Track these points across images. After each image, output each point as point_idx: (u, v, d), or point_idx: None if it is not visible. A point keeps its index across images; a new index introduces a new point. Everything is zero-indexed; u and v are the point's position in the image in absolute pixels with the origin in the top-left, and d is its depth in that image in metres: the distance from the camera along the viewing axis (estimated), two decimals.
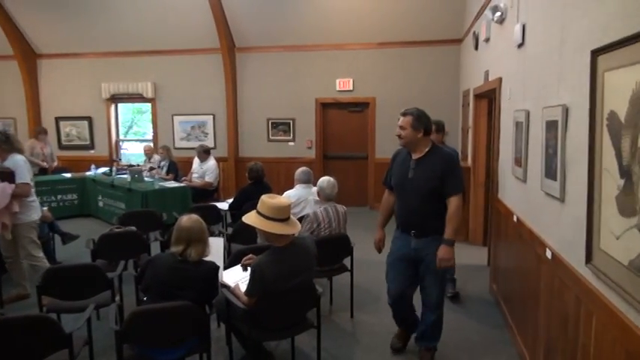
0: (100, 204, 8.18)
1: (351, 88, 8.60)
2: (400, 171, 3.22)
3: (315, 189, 4.86)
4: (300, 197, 4.95)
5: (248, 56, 8.97)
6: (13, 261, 4.70)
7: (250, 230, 3.15)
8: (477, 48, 6.01)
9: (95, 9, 8.65)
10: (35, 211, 4.70)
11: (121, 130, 10.31)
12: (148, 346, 2.79)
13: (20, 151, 4.64)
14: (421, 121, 3.10)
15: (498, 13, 4.38)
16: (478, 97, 5.90)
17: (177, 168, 8.26)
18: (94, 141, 9.95)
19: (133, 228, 4.71)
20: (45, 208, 5.36)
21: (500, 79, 4.42)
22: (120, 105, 10.09)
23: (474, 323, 4.09)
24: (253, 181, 5.60)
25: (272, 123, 9.03)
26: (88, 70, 9.69)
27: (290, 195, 4.84)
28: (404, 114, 3.13)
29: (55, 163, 8.85)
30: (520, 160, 3.51)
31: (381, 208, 3.54)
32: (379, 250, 3.54)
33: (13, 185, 4.37)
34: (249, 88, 9.06)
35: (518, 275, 3.57)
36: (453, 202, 3.07)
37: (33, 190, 4.66)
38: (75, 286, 3.48)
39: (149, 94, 9.40)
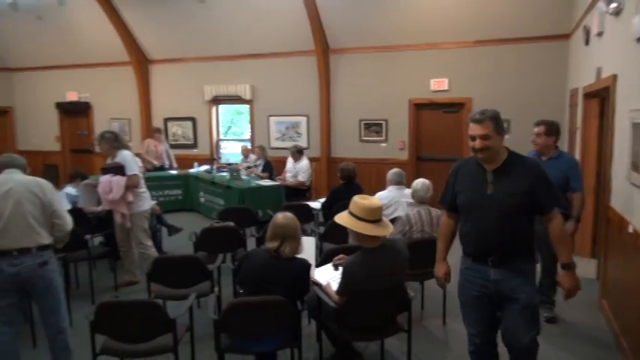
0: (202, 200, 8.71)
1: (446, 88, 8.35)
2: (473, 186, 2.57)
3: (407, 191, 4.79)
4: (392, 199, 4.90)
5: (341, 57, 9.05)
6: (126, 250, 5.16)
7: (342, 230, 3.18)
8: (587, 43, 5.55)
9: (200, 17, 9.21)
10: (146, 201, 5.14)
11: (221, 131, 10.88)
12: (242, 336, 2.92)
13: (127, 148, 5.11)
14: (501, 124, 2.52)
15: (614, 5, 4.02)
16: (588, 96, 5.45)
17: (272, 167, 8.55)
18: (197, 140, 10.60)
19: (231, 223, 4.96)
20: (154, 202, 5.81)
21: (614, 77, 4.05)
22: (220, 106, 10.65)
23: (578, 344, 3.79)
24: (345, 181, 5.64)
25: (364, 124, 9.03)
26: (193, 74, 10.34)
27: (382, 196, 4.82)
28: (481, 119, 2.47)
29: (174, 163, 9.40)
30: (638, 165, 3.19)
31: (441, 234, 2.87)
32: (443, 286, 3.17)
33: (124, 177, 4.83)
34: (342, 89, 9.14)
35: (636, 291, 3.24)
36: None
37: (142, 181, 5.10)
38: (179, 276, 3.74)
39: (247, 96, 9.83)
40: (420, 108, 8.69)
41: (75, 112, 11.70)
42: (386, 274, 2.93)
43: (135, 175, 4.91)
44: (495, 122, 2.47)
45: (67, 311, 3.36)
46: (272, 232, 3.06)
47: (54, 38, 10.67)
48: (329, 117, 9.25)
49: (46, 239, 3.11)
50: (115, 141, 4.95)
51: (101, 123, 11.17)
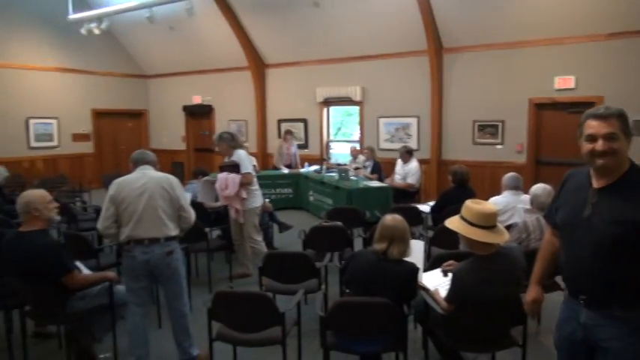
0: (311, 199, 8.94)
1: (572, 87, 7.67)
2: (573, 203, 2.08)
3: (524, 197, 4.49)
4: (508, 204, 4.62)
5: (455, 57, 8.74)
6: (240, 244, 5.47)
7: (452, 235, 3.06)
8: None
9: (314, 22, 9.47)
10: (258, 198, 5.42)
11: (331, 132, 11.09)
12: (347, 336, 2.94)
13: (243, 147, 5.41)
14: (629, 125, 1.96)
15: None
16: None
17: (381, 168, 8.51)
18: (307, 141, 10.92)
19: (339, 223, 5.02)
20: (267, 200, 6.09)
21: None
22: (331, 108, 10.85)
23: None
24: (457, 184, 5.44)
25: (478, 125, 8.63)
26: (306, 77, 10.66)
27: (497, 201, 4.56)
28: (606, 115, 1.95)
29: (299, 165, 9.80)
30: None
31: (540, 252, 2.44)
32: (532, 316, 2.63)
33: (239, 175, 5.13)
34: (455, 89, 8.83)
35: None
36: None
37: (255, 179, 5.37)
38: (288, 271, 3.88)
39: (357, 98, 9.90)
40: (541, 108, 8.10)
41: (199, 114, 12.68)
42: (499, 284, 2.77)
43: (248, 173, 5.19)
44: (623, 121, 1.95)
45: (188, 297, 3.65)
46: (380, 233, 3.04)
47: (183, 47, 11.65)
48: (440, 118, 8.98)
49: (173, 231, 3.40)
50: (231, 141, 5.28)
51: (221, 124, 11.99)
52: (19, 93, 10.81)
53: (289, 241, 6.36)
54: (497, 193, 4.90)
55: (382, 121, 9.75)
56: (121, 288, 3.55)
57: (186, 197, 3.60)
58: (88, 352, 3.59)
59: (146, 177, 3.39)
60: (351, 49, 9.67)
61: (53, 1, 10.82)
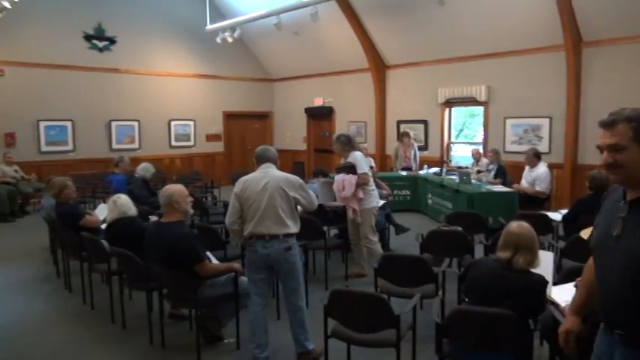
0: (429, 202, 8.72)
1: None
2: (605, 222, 1.79)
3: None
4: None
5: (596, 51, 7.90)
6: (356, 243, 5.52)
7: (586, 247, 2.77)
8: None
9: (438, 20, 9.21)
10: (375, 198, 5.43)
11: (453, 133, 10.70)
12: (464, 347, 2.81)
13: (359, 149, 5.46)
14: None
15: None
16: None
17: (506, 172, 8.02)
18: (427, 142, 10.66)
19: (459, 228, 4.82)
20: (384, 192, 6.17)
21: None
22: (453, 109, 10.48)
23: None
24: (594, 191, 4.92)
25: None
26: (427, 77, 10.42)
27: None
28: (609, 122, 1.68)
29: (417, 167, 9.70)
30: None
31: (582, 281, 2.12)
32: (566, 350, 2.08)
33: (355, 176, 5.18)
34: (595, 86, 7.98)
35: None
36: None
37: (372, 179, 5.38)
38: (404, 274, 3.81)
39: (482, 98, 9.43)
40: None
41: (320, 116, 13.05)
42: None
43: (365, 173, 5.23)
44: (636, 127, 1.62)
45: (304, 293, 3.77)
46: (504, 240, 2.86)
47: (306, 51, 12.09)
48: (577, 119, 8.19)
49: (292, 229, 3.53)
50: (347, 144, 5.37)
51: (341, 125, 12.21)
52: (163, 98, 12.08)
53: (405, 244, 6.27)
54: None
55: (509, 122, 9.17)
56: (244, 279, 3.77)
57: (308, 193, 3.68)
58: (215, 335, 3.89)
59: (268, 176, 3.55)
60: (477, 46, 9.24)
61: (193, 14, 11.91)
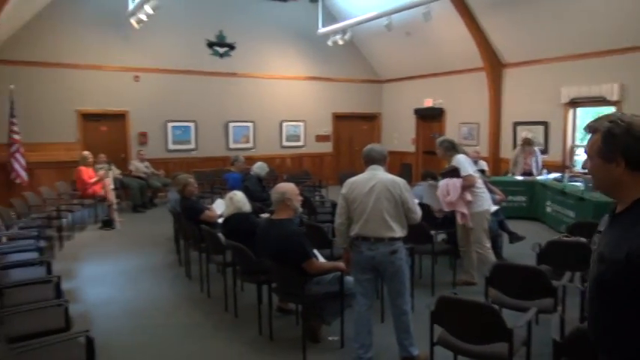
0: (548, 209, 8.11)
1: None
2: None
3: None
4: None
5: None
6: (466, 250, 5.31)
7: None
8: None
9: (562, 14, 8.52)
10: (486, 201, 5.18)
11: (577, 136, 9.83)
12: None
13: (462, 152, 5.26)
14: (611, 144, 1.48)
15: None
16: None
17: None
18: (547, 145, 9.92)
19: (583, 239, 4.42)
20: (497, 196, 5.86)
21: None
22: (578, 110, 9.62)
23: None
24: None
25: None
26: (549, 76, 9.68)
27: None
28: (588, 129, 1.60)
29: (538, 171, 9.12)
30: None
31: None
32: None
33: (459, 179, 4.98)
34: None
35: None
36: None
37: (480, 181, 5.17)
38: (518, 286, 3.58)
39: (614, 97, 8.52)
40: None
41: (429, 117, 12.75)
42: None
43: (469, 175, 5.02)
44: (603, 139, 1.49)
45: (410, 297, 3.70)
46: None
47: (417, 51, 11.87)
48: None
49: (398, 233, 3.49)
50: (450, 149, 5.20)
51: (451, 127, 11.82)
52: (275, 100, 12.63)
53: (520, 253, 5.90)
54: None
55: None
56: (350, 279, 3.81)
57: (413, 198, 3.63)
58: (316, 331, 3.97)
59: (375, 179, 3.53)
60: (608, 41, 8.37)
61: (306, 18, 12.31)
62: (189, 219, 5.48)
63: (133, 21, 9.29)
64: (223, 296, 4.71)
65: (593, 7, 8.08)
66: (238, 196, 4.98)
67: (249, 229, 4.47)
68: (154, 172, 10.61)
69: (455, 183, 5.06)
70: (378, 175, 3.57)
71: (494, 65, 10.64)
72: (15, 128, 8.93)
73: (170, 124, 11.40)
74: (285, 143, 12.98)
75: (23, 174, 8.95)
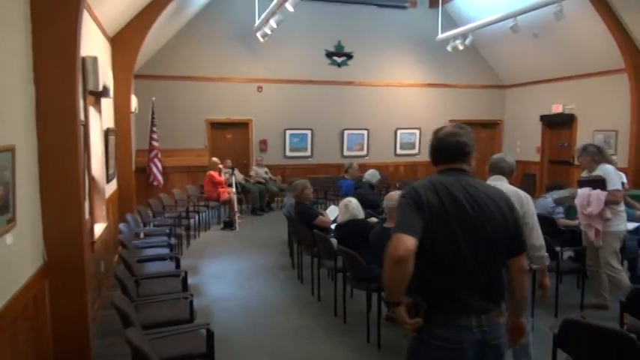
0: None
1: None
2: None
3: None
4: None
5: None
6: (595, 270, 4.80)
7: None
8: None
9: None
10: (623, 221, 4.65)
11: None
12: None
13: (610, 162, 4.74)
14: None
15: None
16: None
17: None
18: None
19: None
20: (638, 212, 5.24)
21: None
22: None
23: None
24: None
25: None
26: None
27: None
28: None
29: None
30: None
31: None
32: None
33: (605, 192, 4.48)
34: None
35: None
36: None
37: (622, 199, 4.61)
38: None
39: None
40: None
41: (558, 124, 11.75)
42: None
43: (617, 190, 4.51)
44: None
45: (531, 316, 3.43)
46: None
47: (546, 53, 11.04)
48: None
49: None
50: (597, 155, 4.69)
51: (584, 135, 10.76)
52: (391, 107, 12.58)
53: None
54: None
55: None
56: None
57: (534, 215, 3.21)
58: None
59: None
60: None
61: (425, 24, 12.12)
62: (303, 223, 5.65)
63: (258, 35, 9.89)
64: (333, 301, 4.77)
65: None
66: (353, 203, 5.03)
67: (364, 236, 4.48)
68: (272, 178, 11.14)
69: (599, 195, 4.57)
70: (500, 186, 3.33)
71: (638, 66, 9.51)
72: (155, 136, 9.95)
73: (288, 132, 11.89)
74: (399, 151, 12.84)
75: (160, 177, 9.92)
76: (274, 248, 7.50)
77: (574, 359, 2.75)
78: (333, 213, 6.03)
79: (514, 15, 9.25)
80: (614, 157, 8.04)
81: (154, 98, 9.94)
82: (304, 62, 11.84)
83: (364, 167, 9.11)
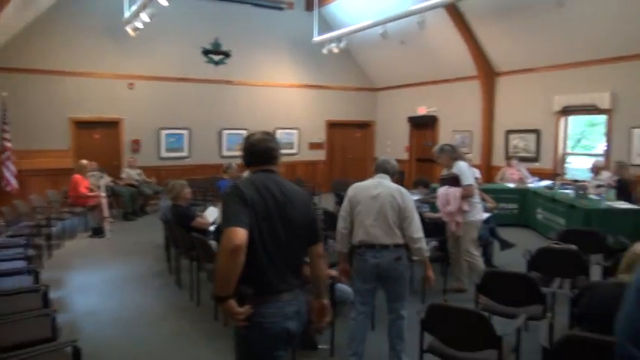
0: (539, 217, 8.13)
1: None
2: None
3: None
4: None
5: None
6: (456, 257, 5.32)
7: None
8: None
9: (556, 23, 8.59)
10: (479, 211, 5.21)
11: (569, 144, 9.89)
12: None
13: (464, 159, 5.27)
14: None
15: None
16: None
17: (630, 188, 7.21)
18: (539, 153, 9.97)
19: (573, 246, 4.43)
20: (488, 204, 5.87)
21: None
22: (570, 118, 9.68)
23: None
24: None
25: None
26: (541, 84, 9.76)
27: None
28: None
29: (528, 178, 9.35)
30: None
31: None
32: None
33: (460, 189, 4.99)
34: None
35: None
36: None
37: (477, 191, 5.19)
38: (508, 292, 3.58)
39: (605, 105, 8.59)
40: None
41: (423, 125, 12.79)
42: None
43: (470, 185, 5.04)
44: None
45: (407, 303, 3.69)
46: (627, 263, 2.59)
47: (412, 60, 11.93)
48: None
49: (401, 239, 3.49)
50: (452, 153, 5.22)
51: (445, 135, 11.85)
52: (270, 107, 12.64)
53: (511, 261, 5.89)
54: None
55: (637, 132, 8.26)
56: (341, 286, 3.78)
57: (414, 209, 3.58)
58: (311, 340, 3.94)
59: (381, 186, 3.57)
60: (600, 50, 8.45)
61: (301, 27, 12.34)
62: (181, 226, 5.44)
63: (128, 29, 9.28)
64: (213, 304, 4.67)
65: (583, 18, 8.16)
66: None
67: None
68: (146, 180, 10.56)
69: (455, 192, 5.06)
70: (384, 183, 3.61)
71: (488, 74, 10.71)
72: (7, 135, 8.88)
73: (164, 132, 11.36)
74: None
75: (13, 181, 8.89)
76: (148, 254, 7.12)
77: (438, 340, 3.01)
78: (211, 214, 5.88)
79: (383, 22, 9.84)
80: (469, 155, 8.98)
81: (4, 93, 8.87)
82: (180, 59, 11.40)
83: (244, 167, 9.04)
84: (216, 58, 11.90)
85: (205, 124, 11.80)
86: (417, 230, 3.49)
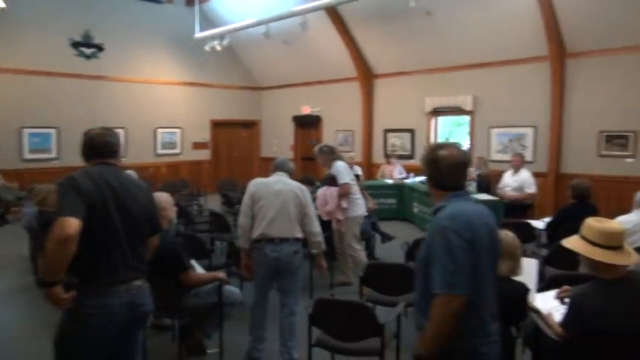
0: (415, 210, 8.76)
1: None
2: None
3: None
4: (638, 224, 4.14)
5: (580, 62, 8.05)
6: (342, 252, 5.53)
7: (569, 255, 2.80)
8: None
9: (425, 30, 9.31)
10: (360, 207, 5.46)
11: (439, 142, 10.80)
12: None
13: (342, 159, 5.52)
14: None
15: None
16: None
17: (488, 181, 8.03)
18: (414, 151, 10.73)
19: None
20: (369, 204, 6.16)
21: None
22: (440, 118, 10.56)
23: None
24: (576, 200, 4.99)
25: (606, 136, 7.85)
26: (414, 87, 10.51)
27: (625, 220, 4.11)
28: None
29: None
30: None
31: None
32: None
33: (337, 188, 5.25)
34: (578, 97, 8.12)
35: None
36: None
37: (355, 188, 5.44)
38: (389, 283, 3.82)
39: (468, 107, 9.53)
40: None
41: (307, 124, 13.07)
42: (628, 313, 2.45)
43: (346, 183, 5.28)
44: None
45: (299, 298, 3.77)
46: None
47: (295, 60, 12.12)
48: (560, 128, 8.31)
49: (299, 233, 3.66)
50: (330, 154, 5.44)
51: (328, 134, 12.24)
52: (150, 105, 12.00)
53: (391, 253, 6.26)
54: (625, 211, 4.42)
55: (494, 131, 9.27)
56: (229, 288, 3.75)
57: (312, 206, 3.81)
58: (199, 345, 3.84)
59: (282, 183, 3.72)
60: (463, 57, 9.35)
61: (182, 22, 11.87)
62: (48, 234, 4.95)
63: None
64: None
65: (449, 27, 8.95)
66: None
67: None
68: (5, 185, 9.45)
69: (332, 192, 5.27)
70: (285, 180, 3.77)
71: (367, 76, 11.27)
72: None
73: (27, 131, 10.25)
74: (160, 151, 12.36)
75: None
76: (13, 268, 6.39)
77: (326, 332, 3.11)
78: None
79: (266, 22, 9.87)
80: (351, 154, 9.37)
81: None
82: (45, 51, 10.32)
83: (122, 168, 8.50)
84: (88, 51, 11.00)
85: (76, 122, 10.72)
86: (317, 225, 3.75)
